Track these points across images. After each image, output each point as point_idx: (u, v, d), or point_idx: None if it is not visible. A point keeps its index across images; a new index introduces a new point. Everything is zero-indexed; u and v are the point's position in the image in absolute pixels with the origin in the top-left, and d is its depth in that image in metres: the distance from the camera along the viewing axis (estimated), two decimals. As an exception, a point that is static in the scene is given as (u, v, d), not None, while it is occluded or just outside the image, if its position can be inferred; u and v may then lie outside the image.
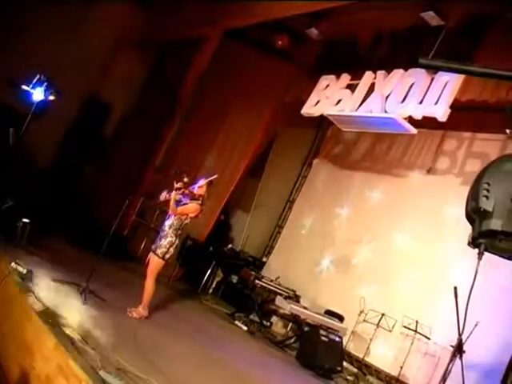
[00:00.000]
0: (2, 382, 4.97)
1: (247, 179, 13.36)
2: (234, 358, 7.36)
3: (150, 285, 7.19)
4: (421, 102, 7.89)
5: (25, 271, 6.42)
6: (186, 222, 7.35)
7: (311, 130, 14.05)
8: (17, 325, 5.45)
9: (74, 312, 5.86)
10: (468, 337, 6.96)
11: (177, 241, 7.27)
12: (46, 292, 6.16)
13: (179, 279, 12.00)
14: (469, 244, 2.55)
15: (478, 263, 2.55)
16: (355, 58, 10.10)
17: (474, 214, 2.42)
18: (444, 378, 5.46)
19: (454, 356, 5.37)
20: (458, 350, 5.36)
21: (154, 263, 7.24)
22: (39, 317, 5.21)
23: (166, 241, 7.20)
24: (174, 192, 7.21)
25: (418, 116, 7.92)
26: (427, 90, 7.89)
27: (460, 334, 5.27)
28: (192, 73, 12.65)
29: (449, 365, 5.27)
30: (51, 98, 8.60)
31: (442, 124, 8.69)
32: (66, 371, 4.42)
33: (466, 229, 8.80)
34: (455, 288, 5.50)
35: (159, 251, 7.17)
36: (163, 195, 7.43)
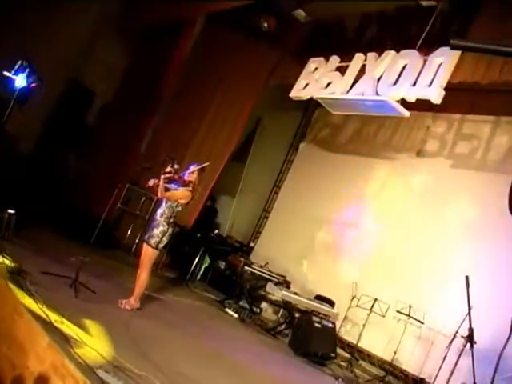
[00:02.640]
0: (-6, 382, 4.78)
1: (232, 164, 13.17)
2: (229, 348, 7.25)
3: (144, 276, 7.02)
4: (414, 84, 7.71)
5: (12, 265, 6.22)
6: (178, 209, 7.14)
7: (297, 113, 13.89)
8: (7, 322, 5.21)
9: (66, 307, 5.67)
10: (462, 323, 6.95)
11: (169, 229, 7.06)
12: (36, 286, 5.95)
13: (167, 266, 11.84)
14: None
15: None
16: (344, 40, 9.92)
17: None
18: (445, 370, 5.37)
19: (464, 346, 5.29)
20: (469, 340, 5.28)
21: (148, 254, 7.05)
22: (30, 313, 5.02)
23: (159, 230, 7.00)
24: (162, 176, 7.01)
25: (411, 99, 7.72)
26: (420, 72, 7.71)
27: (471, 324, 5.18)
28: (175, 58, 12.43)
29: (459, 355, 5.20)
30: (33, 84, 8.32)
31: (431, 106, 8.57)
32: (62, 371, 4.23)
33: (458, 212, 8.74)
34: (467, 277, 5.40)
35: (152, 241, 6.97)
36: (152, 181, 7.22)
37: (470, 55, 8.06)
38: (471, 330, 5.29)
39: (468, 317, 5.17)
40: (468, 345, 5.49)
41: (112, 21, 12.58)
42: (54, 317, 5.15)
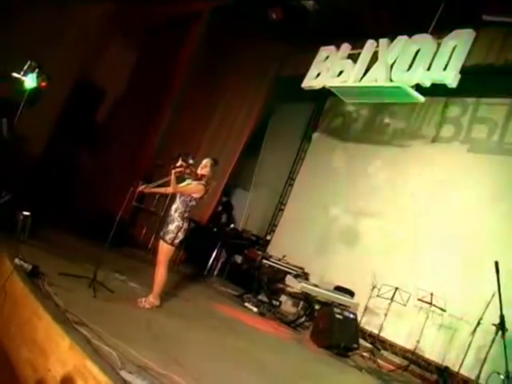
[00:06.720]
0: (16, 386, 4.73)
1: (245, 157, 13.06)
2: (251, 343, 7.17)
3: (161, 273, 6.97)
4: (429, 69, 7.57)
5: (30, 267, 6.17)
6: (192, 203, 7.04)
7: (308, 103, 13.74)
8: (27, 325, 5.18)
9: (86, 307, 5.61)
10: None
11: (184, 224, 6.98)
12: (54, 288, 5.90)
13: (184, 262, 11.80)
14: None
15: None
16: (354, 27, 9.76)
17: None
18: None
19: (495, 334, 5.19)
20: (501, 327, 5.17)
21: (164, 250, 6.99)
22: (50, 315, 4.96)
23: (174, 226, 6.93)
24: (173, 171, 6.92)
25: (426, 83, 7.57)
26: (434, 56, 7.57)
27: (502, 311, 5.07)
28: (184, 53, 12.36)
29: (491, 344, 5.09)
30: (43, 84, 8.28)
31: (445, 90, 8.43)
32: (84, 373, 4.19)
33: (477, 198, 8.58)
34: (496, 262, 5.27)
35: (167, 237, 6.91)
36: (141, 187, 7.22)
37: (484, 37, 7.94)
38: (502, 316, 5.17)
39: (499, 304, 5.06)
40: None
41: (119, 18, 12.49)
42: (73, 318, 5.07)
